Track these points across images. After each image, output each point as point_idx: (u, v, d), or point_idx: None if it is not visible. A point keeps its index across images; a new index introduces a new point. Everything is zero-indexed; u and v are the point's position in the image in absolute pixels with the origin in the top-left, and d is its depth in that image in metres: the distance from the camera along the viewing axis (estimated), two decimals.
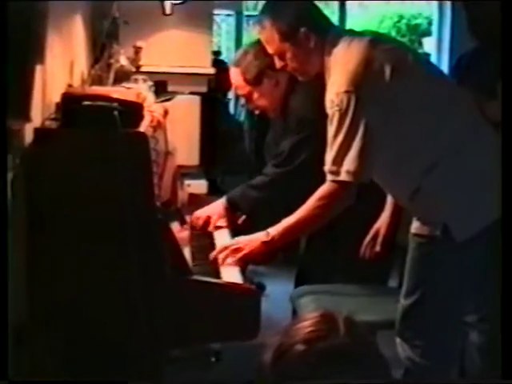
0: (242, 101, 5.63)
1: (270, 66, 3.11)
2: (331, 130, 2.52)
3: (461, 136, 2.57)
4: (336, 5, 7.18)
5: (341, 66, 2.54)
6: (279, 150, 3.16)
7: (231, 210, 3.19)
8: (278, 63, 2.72)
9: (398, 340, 2.66)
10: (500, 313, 2.23)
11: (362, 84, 2.47)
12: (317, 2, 2.82)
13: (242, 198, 3.19)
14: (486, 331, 2.71)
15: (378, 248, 3.07)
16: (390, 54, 2.56)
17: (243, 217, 3.21)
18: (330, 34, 2.63)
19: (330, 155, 2.53)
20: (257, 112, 3.35)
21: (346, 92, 2.47)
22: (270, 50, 2.72)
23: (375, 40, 2.60)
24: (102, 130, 2.21)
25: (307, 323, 1.43)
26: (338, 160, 2.50)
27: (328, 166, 2.53)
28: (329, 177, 2.54)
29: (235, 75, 3.24)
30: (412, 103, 2.55)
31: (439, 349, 2.60)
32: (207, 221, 3.11)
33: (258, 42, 3.05)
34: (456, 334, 2.68)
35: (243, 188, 3.22)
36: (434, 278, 2.56)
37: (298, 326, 1.44)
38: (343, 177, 2.50)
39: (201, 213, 3.14)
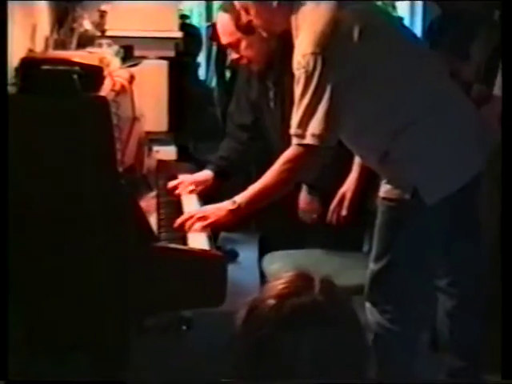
0: (213, 66, 5.61)
1: None
2: (297, 91, 2.48)
3: (430, 100, 2.52)
4: None
5: (308, 26, 2.49)
6: None
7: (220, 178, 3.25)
8: (244, 17, 2.69)
9: (367, 305, 2.64)
10: (500, 313, 2.21)
11: (329, 45, 2.42)
12: None
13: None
14: (456, 295, 2.71)
15: (344, 212, 3.04)
16: (358, 15, 2.50)
17: None
18: None
19: (295, 118, 2.49)
20: (241, 62, 3.22)
21: (313, 54, 2.42)
22: (236, 5, 2.70)
23: (344, 1, 2.53)
24: (61, 94, 2.16)
25: (282, 281, 1.42)
26: (303, 123, 2.46)
27: (293, 129, 2.49)
28: (294, 140, 2.50)
29: (224, 21, 3.10)
30: (380, 66, 2.50)
31: (409, 314, 2.57)
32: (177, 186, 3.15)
33: None
34: (426, 300, 2.66)
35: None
36: (403, 242, 2.53)
37: (272, 283, 1.43)
38: (308, 140, 2.46)
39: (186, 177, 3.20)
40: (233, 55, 3.22)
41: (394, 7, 7.65)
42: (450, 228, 2.57)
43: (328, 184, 3.06)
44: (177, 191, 3.12)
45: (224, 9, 3.13)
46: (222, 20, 3.12)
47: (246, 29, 3.01)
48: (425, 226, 2.51)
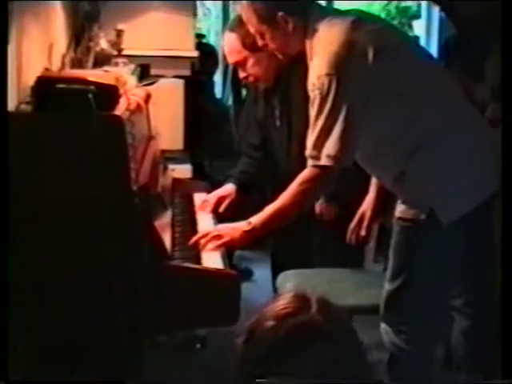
0: (229, 84, 5.61)
1: None
2: (312, 113, 2.48)
3: (446, 119, 2.52)
4: None
5: (323, 48, 2.49)
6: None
7: (243, 192, 3.26)
8: (260, 42, 2.68)
9: (382, 325, 2.63)
10: (500, 313, 2.20)
11: (344, 66, 2.42)
12: None
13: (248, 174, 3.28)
14: (471, 315, 2.69)
15: (363, 232, 3.04)
16: (373, 35, 2.50)
17: None
18: (311, 14, 2.57)
19: (310, 139, 2.49)
20: (248, 81, 3.26)
21: (328, 75, 2.42)
22: (251, 29, 2.67)
23: (358, 20, 2.54)
24: (76, 113, 2.17)
25: (280, 302, 1.43)
26: (319, 144, 2.46)
27: (309, 150, 2.49)
28: (309, 161, 2.50)
29: (231, 40, 3.14)
30: (395, 86, 2.50)
31: (424, 334, 2.56)
32: (218, 203, 3.18)
33: None
34: (441, 320, 2.65)
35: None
36: (419, 262, 2.52)
37: (271, 305, 1.44)
38: (324, 161, 2.46)
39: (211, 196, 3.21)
40: (240, 74, 3.24)
41: (410, 26, 7.68)
42: (466, 247, 2.55)
43: (346, 193, 3.08)
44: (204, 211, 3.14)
45: (230, 28, 3.17)
46: (229, 39, 3.15)
47: (253, 46, 3.02)
48: (440, 245, 2.50)
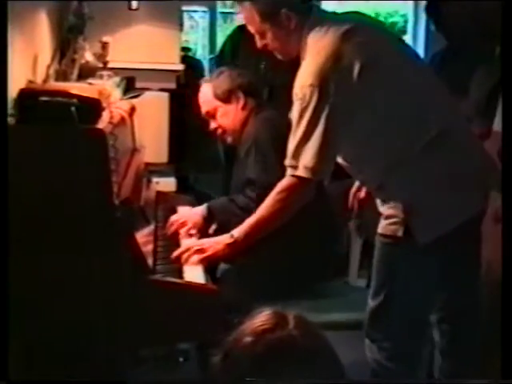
0: None
1: (241, 87, 3.29)
2: (294, 121, 2.48)
3: (429, 137, 2.48)
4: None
5: (311, 56, 2.48)
6: (249, 177, 3.14)
7: (208, 220, 3.16)
8: (259, 42, 2.66)
9: (366, 341, 2.62)
10: (500, 313, 2.17)
11: (328, 79, 2.41)
12: None
13: (224, 212, 3.17)
14: (447, 332, 2.67)
15: (362, 194, 2.97)
16: (362, 49, 2.47)
17: (214, 226, 3.18)
18: (311, 16, 2.57)
19: (290, 148, 2.48)
20: (217, 132, 3.38)
21: (311, 86, 2.41)
22: (251, 29, 2.66)
23: (352, 30, 2.50)
24: (58, 126, 2.18)
25: (257, 319, 1.43)
26: (297, 154, 2.46)
27: (288, 159, 2.49)
28: (288, 171, 2.50)
29: (205, 91, 3.33)
30: (378, 102, 2.47)
31: (406, 351, 2.55)
32: (181, 227, 3.08)
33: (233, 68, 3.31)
34: (422, 336, 2.62)
35: (226, 202, 3.21)
36: (398, 279, 2.50)
37: (249, 322, 1.44)
38: (301, 172, 2.45)
39: (177, 217, 3.11)
40: (211, 125, 3.36)
41: None
42: (442, 266, 2.52)
43: None
44: (181, 236, 3.05)
45: (206, 80, 3.40)
46: (203, 90, 3.35)
47: (223, 97, 3.25)
48: (417, 263, 2.47)
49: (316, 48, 2.49)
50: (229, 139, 3.34)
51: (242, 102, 3.27)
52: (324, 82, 2.40)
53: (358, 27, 2.56)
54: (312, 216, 2.81)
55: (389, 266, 2.52)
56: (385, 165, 2.49)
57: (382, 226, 2.53)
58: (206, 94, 3.32)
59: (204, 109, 3.36)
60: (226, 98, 3.26)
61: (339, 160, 2.58)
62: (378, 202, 2.59)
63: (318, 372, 1.36)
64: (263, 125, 3.22)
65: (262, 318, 1.43)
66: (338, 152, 2.51)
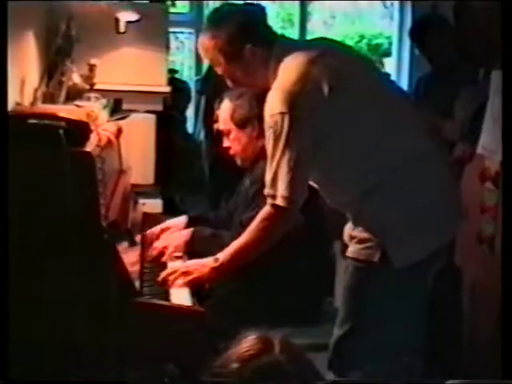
0: (201, 119, 5.63)
1: (259, 117, 3.04)
2: (268, 151, 2.49)
3: (404, 162, 2.48)
4: (297, 22, 7.19)
5: (278, 83, 2.48)
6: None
7: (189, 246, 3.05)
8: (230, 83, 2.68)
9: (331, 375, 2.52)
10: (500, 312, 2.18)
11: (297, 104, 2.41)
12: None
13: (207, 244, 3.04)
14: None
15: None
16: (331, 71, 2.46)
17: None
18: (275, 47, 2.56)
19: (268, 177, 2.50)
20: (228, 152, 3.24)
21: (280, 113, 2.41)
22: (218, 71, 2.66)
23: (320, 55, 2.50)
24: (46, 148, 2.18)
25: (243, 345, 1.45)
26: (274, 183, 2.47)
27: (267, 188, 2.51)
28: (268, 200, 2.52)
29: (225, 110, 3.18)
30: (350, 124, 2.47)
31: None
32: (163, 251, 3.01)
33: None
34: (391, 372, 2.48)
35: (211, 236, 3.09)
36: (370, 305, 2.46)
37: (235, 348, 1.46)
38: (279, 201, 2.47)
39: (160, 243, 3.04)
40: (224, 142, 3.24)
41: (381, 63, 7.76)
42: (421, 292, 2.50)
43: None
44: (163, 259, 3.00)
45: (228, 95, 3.17)
46: (223, 108, 3.18)
47: (239, 122, 3.09)
48: (391, 290, 2.44)
49: (283, 76, 2.48)
50: (238, 161, 3.23)
51: (256, 132, 3.11)
52: (294, 108, 2.40)
53: (326, 52, 2.56)
54: (300, 238, 2.80)
55: (361, 291, 2.49)
56: (361, 189, 2.48)
57: (355, 251, 2.51)
58: (224, 112, 3.19)
59: (220, 125, 3.25)
60: (241, 123, 3.12)
61: (315, 185, 2.59)
62: (349, 225, 2.59)
63: None
64: None
65: (247, 343, 1.44)
66: (312, 177, 2.51)
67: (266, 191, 2.51)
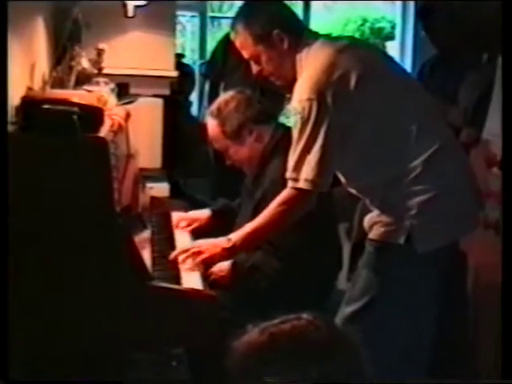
0: (206, 104, 5.63)
1: (252, 119, 3.06)
2: (294, 136, 2.52)
3: (432, 146, 2.51)
4: (300, 5, 7.17)
5: (306, 72, 2.52)
6: None
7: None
8: (254, 68, 2.69)
9: None
10: (500, 312, 2.20)
11: (325, 91, 2.45)
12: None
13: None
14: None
15: None
16: (358, 60, 2.53)
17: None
18: (303, 36, 2.62)
19: (291, 161, 2.53)
20: (234, 167, 3.18)
21: (308, 99, 2.45)
22: (245, 55, 2.69)
23: (346, 46, 2.57)
24: (60, 134, 2.20)
25: (276, 320, 1.44)
26: (298, 167, 2.50)
27: (289, 172, 2.53)
28: (289, 183, 2.54)
29: (213, 127, 3.10)
30: (377, 112, 2.52)
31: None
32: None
33: (239, 92, 3.09)
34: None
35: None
36: (387, 286, 2.51)
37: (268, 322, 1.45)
38: (302, 184, 2.50)
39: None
40: (227, 161, 3.18)
41: (384, 47, 7.77)
42: (439, 280, 2.53)
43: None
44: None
45: (212, 114, 3.11)
46: (211, 126, 3.12)
47: (233, 135, 3.04)
48: (411, 273, 2.49)
49: (311, 64, 2.53)
50: (247, 171, 3.17)
51: (254, 135, 3.05)
52: (322, 95, 2.45)
53: (351, 44, 2.64)
54: (312, 224, 2.81)
55: (379, 271, 2.53)
56: (387, 176, 2.53)
57: (379, 233, 2.55)
58: (214, 131, 3.09)
59: (215, 145, 3.17)
60: (235, 135, 3.03)
61: (339, 174, 2.62)
62: (371, 214, 2.63)
63: (337, 366, 1.37)
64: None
65: (281, 318, 1.44)
66: (338, 164, 2.55)
67: (288, 174, 2.53)
